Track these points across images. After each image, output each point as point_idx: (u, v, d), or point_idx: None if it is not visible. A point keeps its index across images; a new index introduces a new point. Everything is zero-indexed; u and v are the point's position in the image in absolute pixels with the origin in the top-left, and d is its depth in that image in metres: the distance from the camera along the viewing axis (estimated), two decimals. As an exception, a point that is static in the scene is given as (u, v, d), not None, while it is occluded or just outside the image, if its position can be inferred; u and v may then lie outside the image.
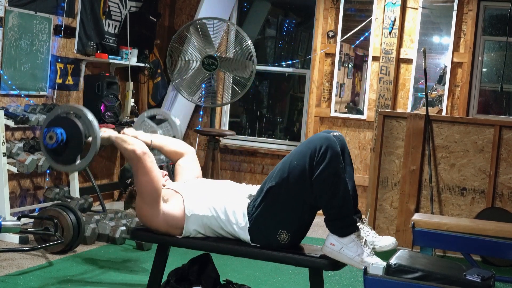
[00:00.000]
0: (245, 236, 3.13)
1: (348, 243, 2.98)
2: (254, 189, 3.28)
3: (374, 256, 2.97)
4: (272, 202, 3.06)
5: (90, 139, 3.18)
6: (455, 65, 6.74)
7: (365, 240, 3.00)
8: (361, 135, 7.04)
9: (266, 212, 3.07)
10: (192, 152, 3.63)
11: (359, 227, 3.05)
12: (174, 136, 3.80)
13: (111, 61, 6.50)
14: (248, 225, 3.12)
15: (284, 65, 7.60)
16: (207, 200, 3.19)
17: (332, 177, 2.95)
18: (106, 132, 3.30)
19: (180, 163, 3.56)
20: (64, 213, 4.79)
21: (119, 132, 3.40)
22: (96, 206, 6.27)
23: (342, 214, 2.99)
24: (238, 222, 3.13)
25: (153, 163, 3.18)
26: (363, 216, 3.23)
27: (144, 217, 3.23)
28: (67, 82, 6.18)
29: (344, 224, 3.00)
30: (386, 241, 3.00)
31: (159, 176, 3.21)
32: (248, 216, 3.12)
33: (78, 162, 3.19)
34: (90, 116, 3.16)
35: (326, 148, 2.95)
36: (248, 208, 3.14)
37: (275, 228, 3.07)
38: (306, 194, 3.00)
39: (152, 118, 3.88)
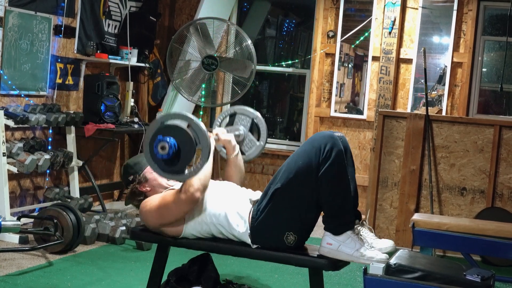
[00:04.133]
0: (247, 241, 3.13)
1: (345, 240, 2.99)
2: (254, 194, 3.27)
3: (373, 249, 2.97)
4: (279, 203, 3.06)
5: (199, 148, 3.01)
6: (455, 65, 6.74)
7: (361, 235, 3.00)
8: (361, 135, 7.04)
9: (272, 215, 3.07)
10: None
11: (359, 229, 3.04)
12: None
13: (111, 61, 6.50)
14: (249, 231, 3.11)
15: (284, 65, 7.59)
16: (208, 207, 3.18)
17: (336, 175, 2.96)
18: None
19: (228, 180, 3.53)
20: (64, 213, 4.79)
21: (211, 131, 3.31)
22: (96, 206, 6.27)
23: (340, 212, 3.00)
24: (239, 228, 3.13)
25: (191, 205, 3.13)
26: (363, 217, 3.23)
27: (147, 220, 3.24)
28: (67, 82, 6.18)
29: (341, 222, 3.00)
30: (384, 244, 3.00)
31: (185, 214, 3.17)
32: (252, 221, 3.11)
33: (186, 172, 3.00)
34: (201, 125, 2.99)
35: (331, 146, 2.97)
36: (252, 213, 3.14)
37: (282, 230, 3.07)
38: (313, 193, 3.00)
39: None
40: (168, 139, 2.93)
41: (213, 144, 3.25)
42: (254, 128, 3.67)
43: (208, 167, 3.09)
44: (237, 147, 3.52)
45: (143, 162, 3.36)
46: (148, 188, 3.31)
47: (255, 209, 3.13)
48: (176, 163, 2.97)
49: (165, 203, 3.14)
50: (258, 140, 3.65)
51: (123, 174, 3.41)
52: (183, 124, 3.01)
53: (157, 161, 2.99)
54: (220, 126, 3.69)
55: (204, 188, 3.12)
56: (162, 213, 3.15)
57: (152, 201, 3.21)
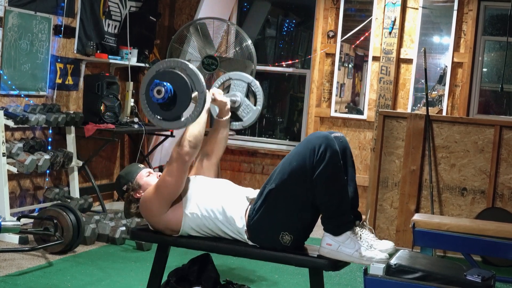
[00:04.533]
0: (244, 237, 3.13)
1: (344, 241, 2.98)
2: (251, 192, 3.27)
3: (373, 249, 2.96)
4: (273, 204, 3.05)
5: (195, 94, 3.02)
6: (455, 65, 6.73)
7: (361, 235, 2.99)
8: (361, 135, 7.04)
9: (267, 215, 3.06)
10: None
11: (358, 229, 3.03)
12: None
13: (111, 61, 6.50)
14: (246, 228, 3.11)
15: (284, 65, 7.59)
16: (206, 201, 3.18)
17: (331, 176, 2.95)
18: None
19: (209, 160, 3.53)
20: (64, 213, 4.79)
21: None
22: (96, 206, 6.27)
23: (338, 213, 2.99)
24: (236, 224, 3.12)
25: (186, 170, 3.15)
26: (363, 217, 3.22)
27: (148, 210, 3.22)
28: (67, 82, 6.18)
29: (339, 222, 3.00)
30: (384, 245, 2.99)
31: (183, 184, 3.19)
32: (249, 220, 3.11)
33: (183, 118, 3.02)
34: (195, 69, 3.01)
35: (326, 147, 2.95)
36: (248, 211, 3.13)
37: (277, 230, 3.07)
38: (308, 193, 2.99)
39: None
40: (164, 83, 2.96)
41: (208, 99, 3.24)
42: (250, 93, 3.67)
43: (198, 127, 3.12)
44: (229, 113, 3.51)
45: (133, 170, 3.38)
46: (142, 194, 3.31)
47: (251, 208, 3.13)
48: (172, 108, 2.99)
49: (161, 180, 3.15)
50: (255, 105, 3.64)
51: (117, 187, 3.42)
52: (179, 71, 3.03)
53: (153, 106, 3.01)
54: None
55: (195, 147, 3.14)
56: (160, 191, 3.15)
57: (149, 189, 3.22)
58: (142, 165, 3.46)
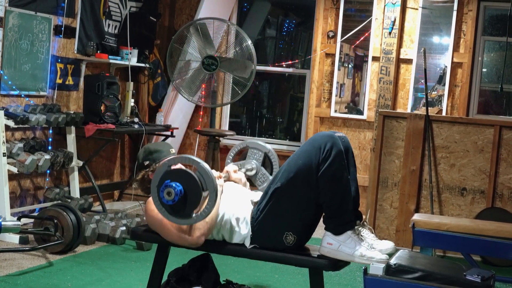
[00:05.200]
0: (247, 243, 3.13)
1: (345, 240, 2.99)
2: (255, 195, 3.28)
3: (373, 249, 2.97)
4: (278, 203, 3.06)
5: (206, 193, 2.98)
6: (455, 65, 6.74)
7: (361, 235, 3.00)
8: (361, 135, 7.04)
9: (272, 215, 3.07)
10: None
11: (359, 229, 3.04)
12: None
13: (111, 61, 6.50)
14: (251, 232, 3.12)
15: (284, 65, 7.59)
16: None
17: (336, 174, 2.97)
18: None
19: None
20: (64, 213, 4.80)
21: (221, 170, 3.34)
22: (96, 206, 6.27)
23: (340, 212, 3.00)
24: (241, 230, 3.13)
25: (190, 244, 3.15)
26: (363, 217, 3.23)
27: (150, 223, 3.25)
28: (67, 82, 6.18)
29: (341, 221, 3.00)
30: (385, 245, 3.00)
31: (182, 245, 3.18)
32: (252, 221, 3.11)
33: (194, 216, 2.97)
34: (207, 168, 2.95)
35: (331, 146, 2.97)
36: (252, 213, 3.14)
37: (281, 230, 3.07)
38: (312, 192, 3.00)
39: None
40: (174, 184, 2.91)
41: (221, 185, 3.24)
42: (266, 162, 3.71)
43: (215, 209, 3.08)
44: (248, 184, 3.54)
45: (164, 152, 3.34)
46: (153, 210, 3.31)
47: (255, 210, 3.13)
48: (183, 209, 2.95)
49: (168, 229, 3.13)
50: (271, 174, 3.67)
51: (140, 156, 3.37)
52: (189, 169, 2.98)
53: (164, 206, 2.98)
54: (232, 160, 3.73)
55: (209, 232, 3.13)
56: (162, 232, 3.17)
57: (156, 213, 3.15)
58: (173, 150, 3.42)
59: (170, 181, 2.92)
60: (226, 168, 3.50)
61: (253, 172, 3.62)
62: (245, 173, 3.59)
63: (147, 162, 3.33)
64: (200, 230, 3.07)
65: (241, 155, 3.75)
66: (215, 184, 2.94)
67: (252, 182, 3.66)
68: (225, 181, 3.37)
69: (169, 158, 3.22)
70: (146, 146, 3.43)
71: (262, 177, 3.67)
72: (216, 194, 2.95)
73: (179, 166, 3.06)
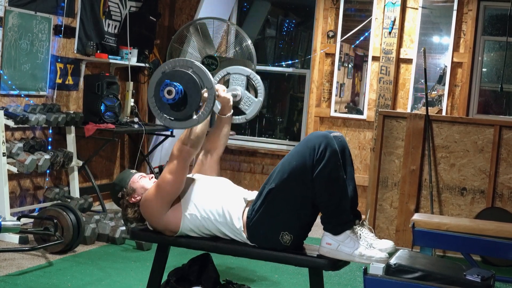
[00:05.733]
0: (242, 237, 3.13)
1: (344, 240, 2.98)
2: (249, 194, 3.27)
3: (372, 248, 2.96)
4: (273, 203, 3.05)
5: (205, 92, 2.99)
6: (455, 65, 6.74)
7: (360, 234, 2.99)
8: (361, 135, 7.04)
9: (267, 215, 3.06)
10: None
11: (358, 229, 3.04)
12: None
13: (111, 61, 6.50)
14: (243, 228, 3.11)
15: (284, 65, 7.59)
16: (204, 202, 3.18)
17: (331, 174, 2.95)
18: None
19: (210, 157, 3.53)
20: (64, 213, 4.80)
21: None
22: (96, 206, 6.27)
23: (337, 212, 2.99)
24: (234, 225, 3.13)
25: (187, 169, 3.15)
26: (362, 217, 3.23)
27: (149, 210, 3.21)
28: (67, 82, 6.18)
29: (339, 221, 3.00)
30: (384, 245, 2.99)
31: (184, 182, 3.18)
32: (248, 221, 3.11)
33: (195, 117, 2.99)
34: (203, 68, 2.99)
35: (325, 146, 2.96)
36: (247, 212, 3.13)
37: (277, 230, 3.07)
38: (307, 193, 2.99)
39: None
40: (174, 83, 2.93)
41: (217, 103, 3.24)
42: (250, 86, 3.66)
43: (201, 126, 3.10)
44: (231, 109, 3.50)
45: (125, 176, 3.37)
46: (138, 198, 3.31)
47: (250, 209, 3.13)
48: (182, 108, 2.97)
49: (161, 178, 3.14)
50: (255, 96, 3.64)
51: (112, 196, 3.40)
52: (187, 69, 2.99)
53: (163, 106, 2.98)
54: None
55: (196, 145, 3.13)
56: (161, 190, 3.15)
57: (149, 189, 3.21)
58: (134, 170, 3.44)
59: (170, 81, 2.94)
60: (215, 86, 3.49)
61: (238, 98, 3.60)
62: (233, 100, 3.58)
63: (119, 193, 3.34)
64: (186, 146, 3.10)
65: (223, 83, 3.71)
66: (212, 81, 2.96)
67: (238, 108, 3.62)
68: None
69: (138, 175, 3.28)
70: (112, 182, 3.46)
71: (247, 101, 3.63)
72: (215, 91, 2.97)
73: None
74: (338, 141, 3.06)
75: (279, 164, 3.09)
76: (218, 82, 3.69)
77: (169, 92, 2.93)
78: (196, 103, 2.97)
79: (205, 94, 3.02)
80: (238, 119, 3.65)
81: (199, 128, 3.14)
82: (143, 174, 3.41)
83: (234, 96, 3.58)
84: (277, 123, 8.06)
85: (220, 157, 3.57)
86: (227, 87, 3.64)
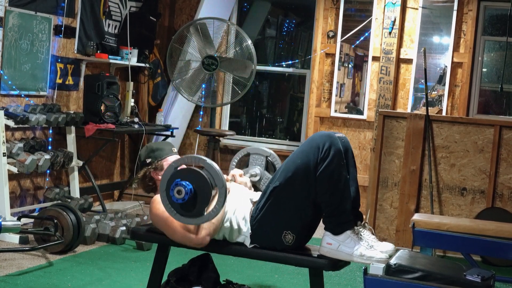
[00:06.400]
0: (247, 242, 3.13)
1: (344, 240, 2.99)
2: (255, 194, 3.28)
3: (373, 248, 2.97)
4: (277, 202, 3.06)
5: (215, 190, 3.00)
6: (455, 65, 6.74)
7: (361, 235, 3.00)
8: (361, 135, 7.04)
9: (270, 213, 3.07)
10: None
11: (359, 229, 3.04)
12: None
13: (111, 61, 6.50)
14: (250, 231, 3.12)
15: (284, 65, 7.59)
16: None
17: (334, 173, 2.96)
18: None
19: None
20: (64, 213, 4.80)
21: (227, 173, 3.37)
22: (96, 206, 6.27)
23: (339, 211, 3.00)
24: (240, 228, 3.13)
25: (195, 244, 3.15)
26: (364, 218, 3.23)
27: (154, 221, 3.25)
28: (67, 82, 6.18)
29: (340, 221, 3.00)
30: (385, 247, 3.00)
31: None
32: (251, 220, 3.12)
33: (206, 213, 2.98)
34: (214, 165, 2.98)
35: (330, 145, 2.97)
36: (251, 212, 3.14)
37: (280, 229, 3.08)
38: (311, 192, 3.00)
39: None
40: (184, 183, 2.93)
41: (229, 186, 3.25)
42: (269, 166, 3.74)
43: (222, 209, 3.08)
44: (253, 189, 3.55)
45: (166, 151, 3.37)
46: (160, 177, 3.31)
47: (254, 209, 3.14)
48: (193, 207, 2.97)
49: (174, 228, 3.13)
50: None
51: (142, 154, 3.39)
52: (198, 167, 3.00)
53: (174, 206, 2.99)
54: (236, 167, 3.76)
55: (215, 232, 3.13)
56: (167, 231, 3.17)
57: (162, 211, 3.16)
58: (175, 149, 3.44)
59: (180, 180, 2.94)
60: (231, 172, 3.52)
61: (258, 177, 3.67)
62: (250, 180, 3.61)
63: (149, 160, 3.35)
64: (206, 230, 3.07)
65: (243, 163, 3.78)
66: (223, 180, 2.96)
67: (257, 187, 3.69)
68: (229, 184, 3.39)
69: (174, 159, 3.25)
70: (148, 144, 3.46)
71: (267, 181, 3.69)
72: (226, 190, 2.97)
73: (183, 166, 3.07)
74: (342, 141, 3.08)
75: (284, 163, 3.10)
76: (238, 162, 3.77)
77: (179, 192, 2.94)
78: (206, 202, 2.97)
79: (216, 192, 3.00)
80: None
81: (220, 215, 3.10)
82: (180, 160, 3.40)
83: (254, 175, 3.67)
84: (277, 123, 8.06)
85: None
86: (247, 166, 3.69)
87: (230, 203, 3.19)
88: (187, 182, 2.93)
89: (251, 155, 3.74)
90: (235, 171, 3.53)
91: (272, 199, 3.06)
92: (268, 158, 3.74)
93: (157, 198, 3.22)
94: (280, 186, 3.04)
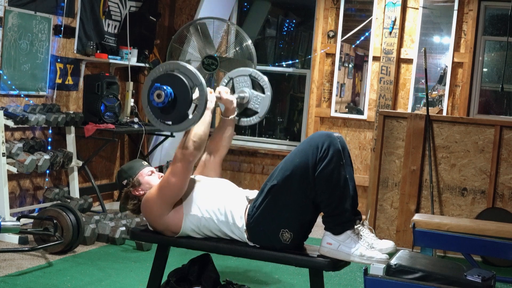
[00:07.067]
0: (243, 237, 3.13)
1: (344, 240, 2.98)
2: (251, 192, 3.27)
3: (373, 249, 2.96)
4: (274, 200, 3.06)
5: (196, 91, 3.01)
6: (455, 65, 6.73)
7: (361, 234, 2.99)
8: (362, 135, 7.04)
9: (267, 211, 3.07)
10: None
11: (359, 229, 3.03)
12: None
13: (111, 61, 6.50)
14: (245, 227, 3.11)
15: (284, 65, 7.59)
16: (207, 202, 3.18)
17: (333, 173, 2.96)
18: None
19: (213, 159, 3.53)
20: (64, 213, 4.79)
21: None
22: (96, 207, 6.27)
23: (339, 211, 2.99)
24: (236, 224, 3.12)
25: (190, 171, 3.14)
26: (363, 217, 3.22)
27: (150, 211, 3.21)
28: (66, 82, 6.18)
29: (340, 221, 3.00)
30: (385, 245, 2.99)
31: (187, 184, 3.17)
32: (248, 218, 3.11)
33: (190, 116, 3.00)
34: (190, 66, 3.02)
35: (329, 145, 2.97)
36: (248, 210, 3.13)
37: (277, 227, 3.07)
38: (309, 191, 3.00)
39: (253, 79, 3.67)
40: (164, 86, 2.95)
41: (212, 101, 3.24)
42: (256, 84, 3.67)
43: (203, 127, 3.10)
44: (235, 111, 3.52)
45: (136, 166, 3.38)
46: (141, 192, 3.32)
47: (251, 206, 3.13)
48: (173, 111, 2.99)
49: (164, 180, 3.14)
50: (263, 92, 3.64)
51: (117, 179, 3.42)
52: (174, 71, 3.01)
53: (156, 111, 3.00)
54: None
55: (199, 147, 3.12)
56: (163, 192, 3.14)
57: (151, 190, 3.21)
58: (145, 163, 3.45)
59: (160, 85, 2.97)
60: (218, 89, 3.49)
61: (246, 99, 3.61)
62: (240, 102, 3.57)
63: (125, 181, 3.35)
64: (189, 148, 3.09)
65: (229, 88, 3.72)
66: (201, 79, 2.98)
67: (249, 109, 3.63)
68: (216, 99, 3.37)
69: (148, 170, 3.30)
70: (119, 169, 3.47)
71: (256, 100, 3.64)
72: (205, 88, 2.99)
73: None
74: (338, 141, 3.07)
75: (282, 161, 3.09)
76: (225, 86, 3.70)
77: (159, 96, 2.96)
78: (188, 102, 2.98)
79: (197, 93, 3.02)
80: (253, 119, 3.65)
81: (201, 130, 3.13)
82: (154, 169, 3.42)
83: (242, 98, 3.59)
84: (277, 123, 8.06)
85: (222, 158, 3.57)
86: (234, 92, 3.65)
87: (225, 198, 3.18)
88: (166, 86, 2.96)
89: (234, 79, 3.68)
90: (221, 88, 3.49)
91: (270, 198, 3.06)
92: (251, 75, 3.66)
93: (148, 191, 3.24)
94: (278, 185, 3.03)
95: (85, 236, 5.00)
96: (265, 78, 3.65)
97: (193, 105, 3.04)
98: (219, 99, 3.43)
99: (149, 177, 3.34)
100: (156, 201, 3.18)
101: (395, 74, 6.75)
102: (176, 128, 3.05)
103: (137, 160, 3.51)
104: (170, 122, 3.03)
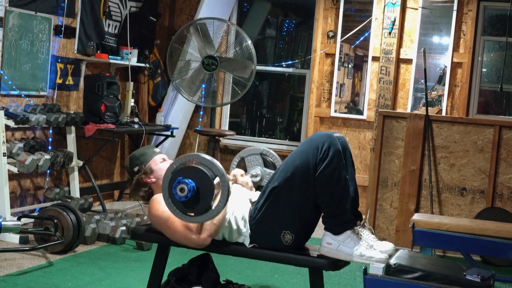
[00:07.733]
0: (246, 242, 3.14)
1: (344, 240, 2.99)
2: (254, 194, 3.28)
3: (372, 249, 2.97)
4: (276, 202, 3.06)
5: (217, 180, 2.99)
6: (455, 65, 6.74)
7: (361, 235, 3.00)
8: (361, 135, 7.05)
9: (269, 213, 3.07)
10: None
11: (359, 229, 3.04)
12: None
13: (111, 61, 6.50)
14: (250, 231, 3.12)
15: (284, 65, 7.60)
16: None
17: (334, 173, 2.97)
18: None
19: None
20: (64, 213, 4.80)
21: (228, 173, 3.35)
22: (96, 206, 6.27)
23: (339, 211, 3.00)
24: (240, 228, 3.14)
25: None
26: (363, 217, 3.23)
27: (152, 223, 3.25)
28: (67, 82, 6.19)
29: (340, 221, 3.01)
30: (384, 246, 3.00)
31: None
32: (250, 220, 3.12)
33: (214, 206, 2.98)
34: (210, 157, 2.99)
35: (329, 146, 2.98)
36: (250, 211, 3.15)
37: (279, 228, 3.08)
38: (309, 192, 3.00)
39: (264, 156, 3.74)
40: (187, 181, 2.93)
41: (230, 184, 3.25)
42: (267, 162, 3.73)
43: (223, 210, 3.07)
44: (254, 189, 3.55)
45: (149, 153, 3.37)
46: (153, 179, 3.32)
47: (253, 208, 3.14)
48: (195, 205, 2.96)
49: (174, 228, 3.12)
50: (275, 169, 3.68)
51: (129, 165, 3.40)
52: (193, 163, 3.00)
53: (178, 205, 2.98)
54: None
55: (216, 233, 3.12)
56: (167, 231, 3.16)
57: (162, 211, 3.16)
58: (157, 149, 3.45)
59: (182, 178, 2.95)
60: (232, 172, 3.51)
61: (259, 177, 3.65)
62: (253, 181, 3.61)
63: (136, 168, 3.35)
64: (208, 231, 3.07)
65: (241, 168, 3.77)
66: (222, 169, 2.96)
67: (262, 186, 3.68)
68: (232, 184, 3.38)
69: (160, 158, 3.31)
70: (130, 155, 3.47)
71: (269, 177, 3.68)
72: (226, 179, 2.96)
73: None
74: (340, 141, 3.08)
75: (283, 163, 3.10)
76: (236, 166, 3.75)
77: (182, 190, 2.94)
78: (211, 195, 2.96)
79: (218, 181, 2.99)
80: None
81: (221, 214, 3.10)
82: (165, 157, 3.42)
83: (255, 176, 3.64)
84: (277, 123, 8.07)
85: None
86: (246, 170, 3.69)
87: (229, 204, 3.19)
88: (189, 180, 2.93)
89: (245, 158, 3.73)
90: (236, 171, 3.53)
91: (271, 199, 3.07)
92: (262, 154, 3.72)
93: (156, 198, 3.23)
94: (279, 186, 3.04)
95: (86, 235, 5.01)
96: (276, 155, 3.72)
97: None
98: (234, 182, 3.45)
99: (162, 165, 3.33)
100: (156, 224, 3.21)
101: (395, 74, 6.76)
102: (199, 219, 3.02)
103: (149, 146, 3.50)
104: (192, 214, 3.00)
